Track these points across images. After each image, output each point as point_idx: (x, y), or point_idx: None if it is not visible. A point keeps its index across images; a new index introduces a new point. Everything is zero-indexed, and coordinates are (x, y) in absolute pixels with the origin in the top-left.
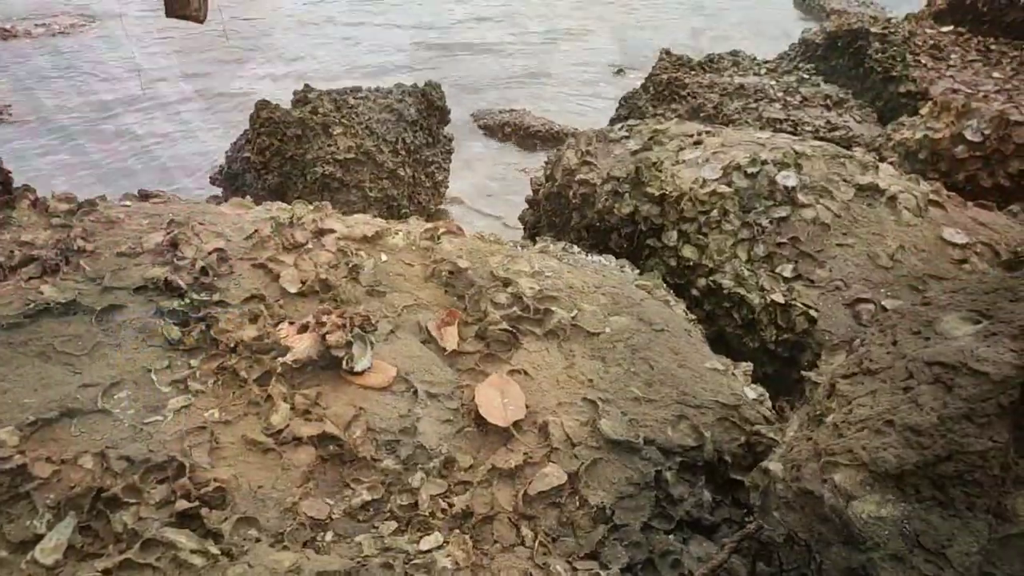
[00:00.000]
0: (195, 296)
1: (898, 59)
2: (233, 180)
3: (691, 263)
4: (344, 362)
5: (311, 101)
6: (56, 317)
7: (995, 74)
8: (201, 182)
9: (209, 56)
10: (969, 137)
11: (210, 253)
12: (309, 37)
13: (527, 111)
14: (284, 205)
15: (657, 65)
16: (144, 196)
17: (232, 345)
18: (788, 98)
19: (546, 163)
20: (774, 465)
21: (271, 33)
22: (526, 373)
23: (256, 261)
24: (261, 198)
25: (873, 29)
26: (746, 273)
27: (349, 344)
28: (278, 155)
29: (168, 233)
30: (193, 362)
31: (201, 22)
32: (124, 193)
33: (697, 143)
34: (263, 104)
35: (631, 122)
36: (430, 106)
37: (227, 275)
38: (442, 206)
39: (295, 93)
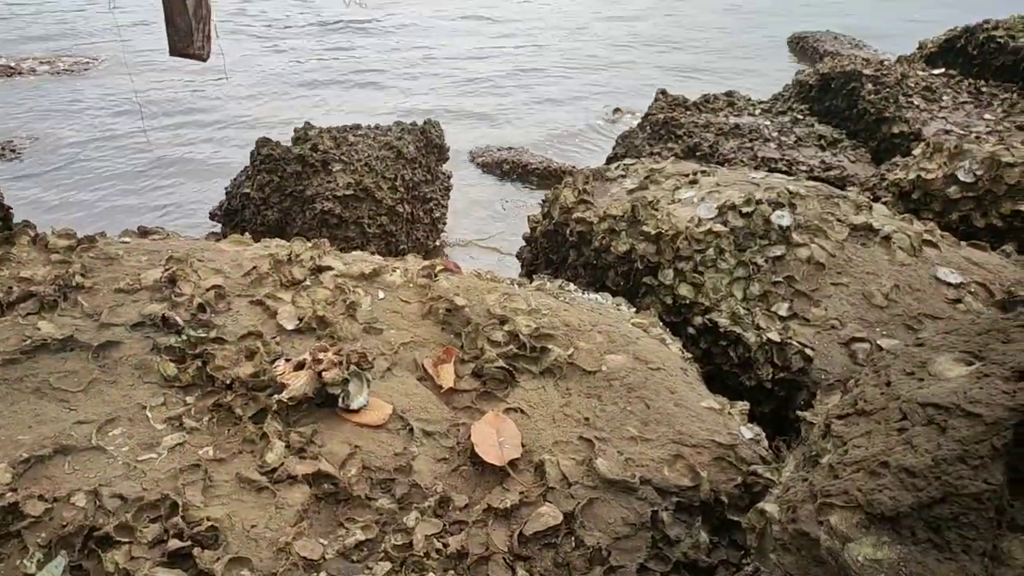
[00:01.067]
0: (192, 333)
1: (891, 100)
2: (232, 216)
3: (687, 301)
4: (340, 399)
5: (311, 138)
6: (53, 353)
7: (986, 115)
8: (200, 217)
9: (210, 93)
10: (962, 178)
11: (208, 290)
12: (312, 75)
13: (525, 148)
14: (283, 242)
15: (653, 105)
16: (143, 232)
17: (228, 382)
18: (783, 138)
19: (543, 201)
20: (770, 506)
21: (274, 71)
22: (522, 411)
23: (254, 298)
24: (260, 234)
25: (866, 71)
26: (742, 311)
27: (345, 381)
28: (278, 191)
29: (167, 269)
30: (188, 399)
31: (204, 60)
32: (124, 229)
33: (692, 182)
34: (264, 141)
35: (627, 161)
36: (429, 144)
37: (225, 312)
38: (440, 242)
39: (296, 130)
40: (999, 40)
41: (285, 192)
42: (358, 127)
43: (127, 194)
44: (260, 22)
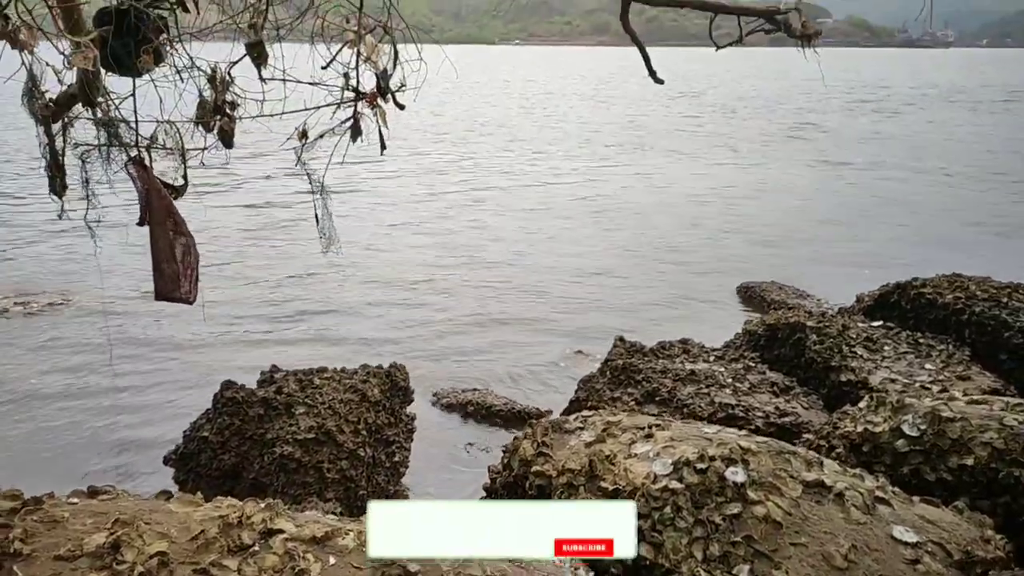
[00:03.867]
0: None
1: (835, 351)
2: (187, 460)
3: (648, 562)
4: None
5: (276, 381)
6: None
7: (927, 365)
8: (155, 463)
9: (181, 334)
10: (907, 432)
11: (151, 557)
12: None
13: (490, 390)
14: (234, 502)
15: (612, 351)
16: (92, 492)
17: None
18: (737, 384)
19: (504, 451)
20: None
21: (245, 316)
22: None
23: (198, 566)
24: (215, 479)
25: (809, 323)
26: (703, 574)
27: None
28: (237, 434)
29: (111, 534)
30: None
31: (190, 303)
32: (73, 489)
33: (648, 436)
34: (228, 384)
35: (585, 413)
36: (394, 387)
37: None
38: (400, 487)
39: (261, 373)
40: (928, 296)
41: (245, 435)
42: (324, 370)
43: (86, 435)
44: (241, 268)
